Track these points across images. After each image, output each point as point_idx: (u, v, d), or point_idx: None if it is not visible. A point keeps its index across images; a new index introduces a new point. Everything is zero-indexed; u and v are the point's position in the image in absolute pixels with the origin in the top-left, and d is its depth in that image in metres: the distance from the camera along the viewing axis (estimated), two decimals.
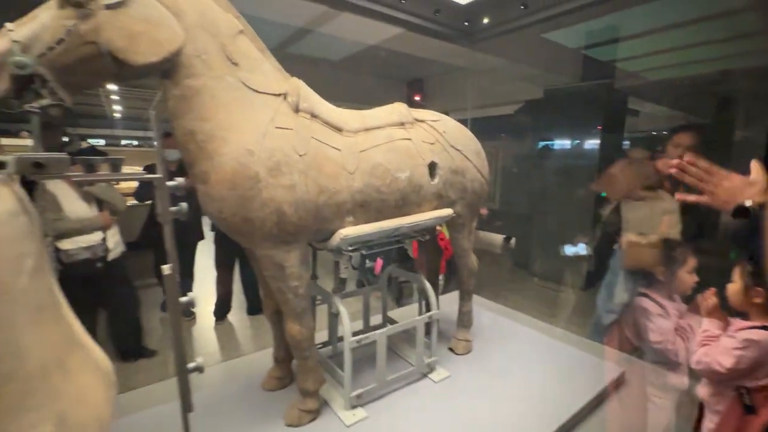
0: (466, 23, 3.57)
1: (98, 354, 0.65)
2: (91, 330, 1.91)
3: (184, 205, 0.68)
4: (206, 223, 3.90)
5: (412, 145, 1.46)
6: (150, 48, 0.99)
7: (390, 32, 3.60)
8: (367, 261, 4.38)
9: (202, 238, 3.91)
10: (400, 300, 4.09)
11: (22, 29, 0.88)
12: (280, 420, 1.39)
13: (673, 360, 1.75)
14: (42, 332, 0.49)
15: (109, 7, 0.94)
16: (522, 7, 3.11)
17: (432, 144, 1.53)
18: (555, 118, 5.11)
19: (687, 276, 1.83)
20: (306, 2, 2.94)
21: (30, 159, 0.52)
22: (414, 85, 7.46)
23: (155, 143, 0.92)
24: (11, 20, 0.89)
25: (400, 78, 7.43)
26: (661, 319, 1.80)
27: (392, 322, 2.08)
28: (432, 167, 1.51)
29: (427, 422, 1.42)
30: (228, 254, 3.73)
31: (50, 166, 0.54)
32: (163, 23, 1.02)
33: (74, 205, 2.57)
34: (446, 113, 1.74)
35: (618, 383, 1.74)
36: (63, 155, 0.54)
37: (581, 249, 2.39)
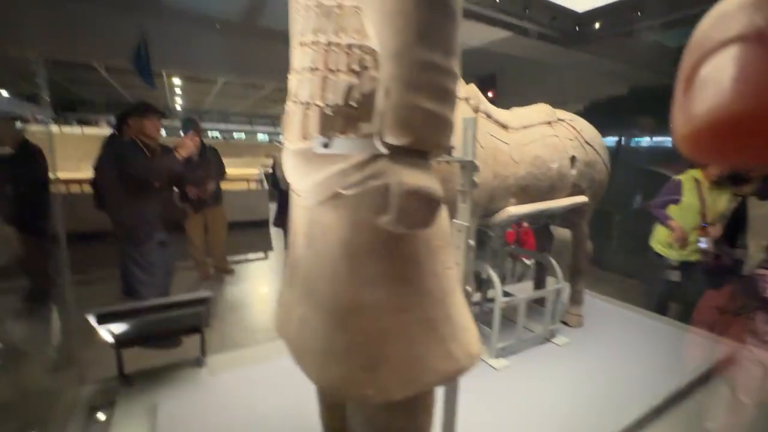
0: (577, 28, 3.68)
1: None
2: None
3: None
4: None
5: (558, 141, 1.72)
6: None
7: (496, 36, 3.79)
8: None
9: None
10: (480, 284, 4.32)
11: None
12: None
13: None
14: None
15: None
16: (638, 14, 3.19)
17: (572, 140, 1.78)
18: (636, 116, 5.06)
19: None
20: None
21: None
22: (486, 81, 7.49)
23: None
24: None
25: (470, 74, 7.47)
26: None
27: (507, 294, 2.35)
28: (573, 160, 1.76)
29: (558, 376, 1.70)
30: None
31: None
32: None
33: None
34: None
35: (729, 362, 1.90)
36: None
37: (702, 243, 2.44)
